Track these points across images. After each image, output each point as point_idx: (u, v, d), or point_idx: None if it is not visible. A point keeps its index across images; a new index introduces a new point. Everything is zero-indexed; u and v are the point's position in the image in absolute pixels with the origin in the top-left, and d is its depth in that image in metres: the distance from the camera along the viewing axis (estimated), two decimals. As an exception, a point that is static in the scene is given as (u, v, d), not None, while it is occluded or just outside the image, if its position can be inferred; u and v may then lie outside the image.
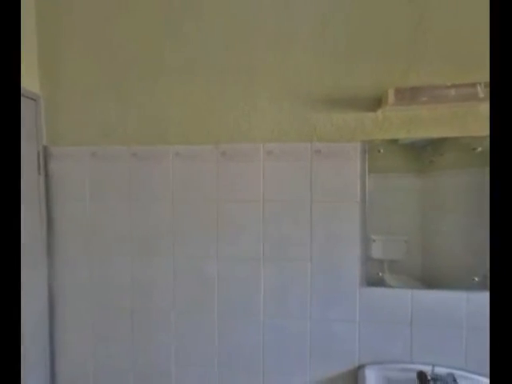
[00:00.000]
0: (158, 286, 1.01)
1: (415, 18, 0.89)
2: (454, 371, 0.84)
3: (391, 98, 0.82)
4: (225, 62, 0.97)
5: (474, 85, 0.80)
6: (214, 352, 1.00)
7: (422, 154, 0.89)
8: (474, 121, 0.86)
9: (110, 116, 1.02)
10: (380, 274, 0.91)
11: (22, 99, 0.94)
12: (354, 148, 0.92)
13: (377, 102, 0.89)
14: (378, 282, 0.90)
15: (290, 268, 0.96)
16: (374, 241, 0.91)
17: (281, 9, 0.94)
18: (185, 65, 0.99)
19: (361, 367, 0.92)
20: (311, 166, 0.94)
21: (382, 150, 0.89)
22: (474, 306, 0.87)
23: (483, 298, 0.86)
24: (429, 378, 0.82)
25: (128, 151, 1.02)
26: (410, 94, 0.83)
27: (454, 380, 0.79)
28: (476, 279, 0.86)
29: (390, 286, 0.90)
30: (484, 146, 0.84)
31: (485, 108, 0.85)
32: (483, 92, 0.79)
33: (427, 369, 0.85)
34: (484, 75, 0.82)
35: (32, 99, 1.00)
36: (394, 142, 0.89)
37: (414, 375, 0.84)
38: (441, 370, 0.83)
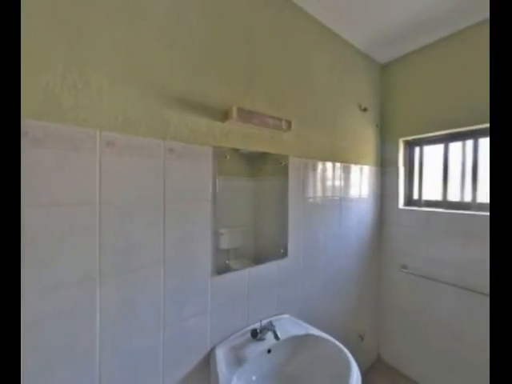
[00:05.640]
0: None
1: (250, 56, 1.14)
2: (272, 318, 1.19)
3: (234, 114, 1.00)
4: None
5: (280, 119, 1.18)
6: None
7: (255, 162, 1.16)
8: (281, 144, 1.27)
9: None
10: (227, 262, 1.06)
11: None
12: (207, 152, 1.00)
13: (224, 115, 1.04)
14: (226, 269, 1.06)
15: (139, 278, 0.84)
16: (222, 234, 1.05)
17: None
18: None
19: (212, 349, 1.03)
20: (164, 165, 0.90)
21: (228, 157, 1.05)
22: (280, 269, 1.28)
23: (284, 263, 1.29)
24: (258, 331, 1.09)
25: None
26: (247, 115, 1.05)
27: (272, 324, 1.11)
28: (282, 250, 1.27)
29: (234, 270, 1.09)
30: (285, 161, 1.27)
31: (286, 136, 1.28)
32: (285, 126, 1.19)
33: (257, 325, 1.13)
34: (285, 114, 1.24)
35: None
36: (237, 150, 1.09)
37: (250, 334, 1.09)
38: (265, 322, 1.13)
